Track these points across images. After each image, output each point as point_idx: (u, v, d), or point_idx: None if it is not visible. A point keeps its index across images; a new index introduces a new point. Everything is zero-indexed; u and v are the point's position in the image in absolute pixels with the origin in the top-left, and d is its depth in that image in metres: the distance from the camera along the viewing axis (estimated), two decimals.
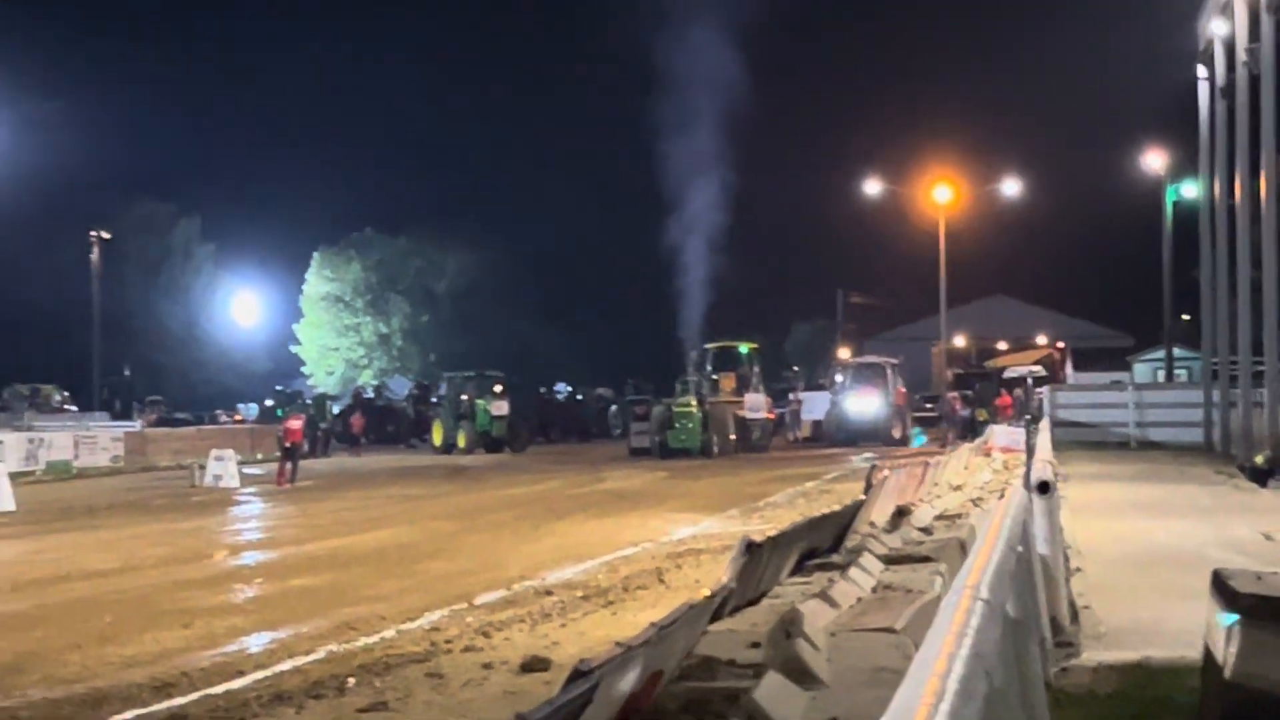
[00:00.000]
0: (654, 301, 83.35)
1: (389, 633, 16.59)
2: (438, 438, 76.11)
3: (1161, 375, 77.62)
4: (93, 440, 61.65)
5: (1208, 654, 9.23)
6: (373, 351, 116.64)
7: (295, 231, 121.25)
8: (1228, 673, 8.26)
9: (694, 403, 63.97)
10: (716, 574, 13.14)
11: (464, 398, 76.24)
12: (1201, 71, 50.95)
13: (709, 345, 72.58)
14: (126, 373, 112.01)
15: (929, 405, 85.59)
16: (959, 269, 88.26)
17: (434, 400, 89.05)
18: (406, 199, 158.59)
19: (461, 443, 73.55)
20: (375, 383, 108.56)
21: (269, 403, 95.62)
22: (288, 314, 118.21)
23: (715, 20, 77.82)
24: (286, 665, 14.79)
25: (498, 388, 76.50)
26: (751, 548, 11.15)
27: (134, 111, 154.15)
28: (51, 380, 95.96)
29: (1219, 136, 47.52)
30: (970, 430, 67.78)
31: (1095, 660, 12.33)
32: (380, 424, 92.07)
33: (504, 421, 75.12)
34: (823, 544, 15.70)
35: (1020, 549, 8.59)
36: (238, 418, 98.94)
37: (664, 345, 79.33)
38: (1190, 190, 64.40)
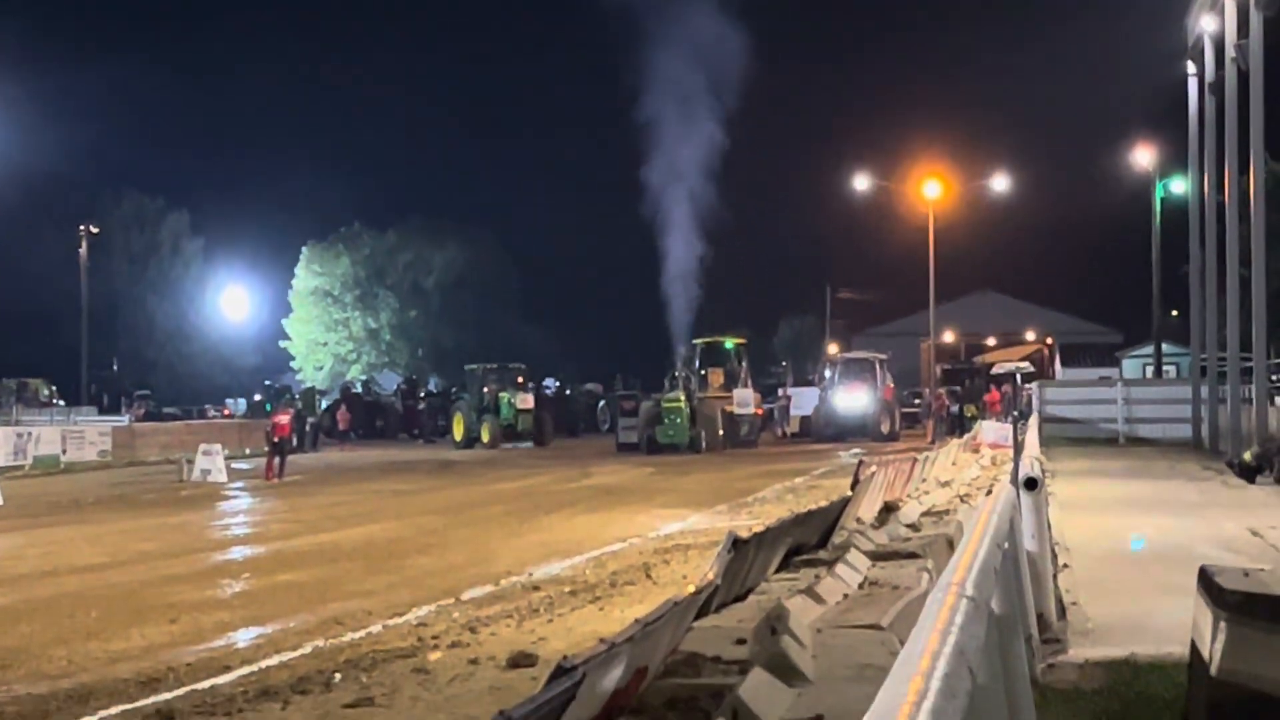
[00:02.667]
0: (642, 297, 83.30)
1: (376, 628, 16.59)
2: (458, 432, 75.22)
3: (1150, 371, 77.76)
4: (80, 435, 61.62)
5: (1194, 650, 9.22)
6: (361, 346, 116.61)
7: (284, 226, 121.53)
8: (1214, 669, 8.25)
9: (682, 398, 63.97)
10: (703, 570, 13.14)
11: (486, 390, 75.86)
12: (1191, 68, 50.98)
13: (697, 340, 72.45)
14: (115, 367, 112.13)
15: (916, 401, 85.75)
16: (948, 264, 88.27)
17: (450, 394, 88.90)
18: (395, 194, 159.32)
19: (485, 436, 73.10)
20: (364, 378, 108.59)
21: (257, 397, 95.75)
22: (276, 309, 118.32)
23: (704, 14, 77.75)
24: (273, 660, 14.78)
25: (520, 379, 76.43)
26: (737, 544, 11.14)
27: (123, 106, 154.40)
28: (39, 375, 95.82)
29: (1208, 133, 47.55)
30: (958, 426, 67.85)
31: (1082, 656, 12.33)
32: (369, 419, 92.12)
33: (530, 415, 74.98)
34: (810, 540, 15.69)
35: (1007, 546, 8.59)
36: (226, 412, 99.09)
37: (652, 340, 79.28)
38: (1179, 186, 64.45)
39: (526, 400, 75.24)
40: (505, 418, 74.16)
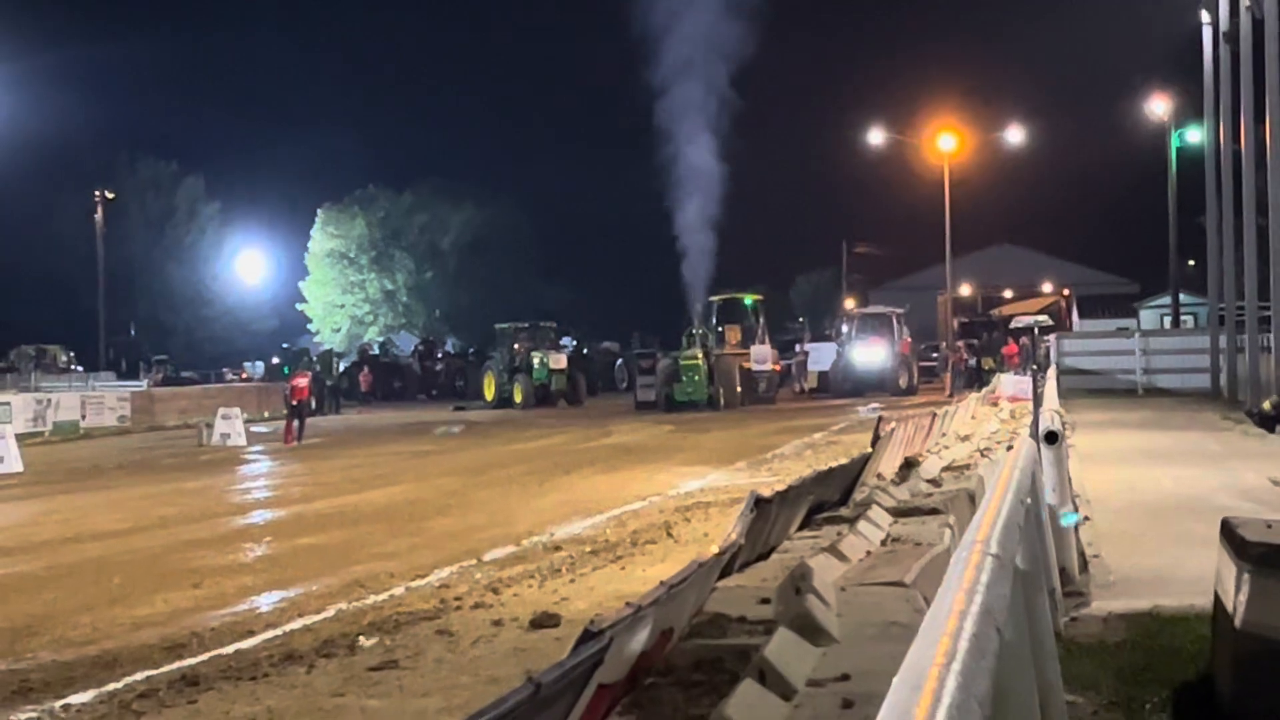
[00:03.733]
0: (659, 254, 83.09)
1: (398, 590, 16.60)
2: (489, 392, 75.12)
3: (1168, 322, 77.63)
4: (100, 400, 61.71)
5: (1218, 602, 9.23)
6: (378, 308, 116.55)
7: (299, 189, 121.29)
8: (1238, 621, 8.26)
9: (700, 355, 63.88)
10: (725, 527, 13.14)
11: (517, 349, 75.46)
12: (1205, 17, 50.81)
13: (714, 298, 72.27)
14: (132, 332, 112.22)
15: (934, 355, 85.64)
16: (964, 218, 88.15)
17: (468, 354, 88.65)
18: (410, 156, 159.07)
19: (518, 397, 72.65)
20: (381, 339, 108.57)
21: (275, 361, 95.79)
22: (293, 271, 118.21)
23: None
24: (297, 624, 14.80)
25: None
26: (760, 503, 11.12)
27: (137, 70, 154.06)
28: (58, 341, 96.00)
29: (1223, 82, 47.39)
30: (977, 379, 67.78)
31: (1105, 610, 12.34)
32: (387, 380, 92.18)
33: (563, 374, 74.42)
34: (831, 497, 15.67)
35: (1029, 500, 8.58)
36: (244, 376, 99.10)
37: (669, 298, 79.10)
38: (1195, 136, 64.27)
39: (559, 359, 74.55)
40: (538, 377, 73.50)
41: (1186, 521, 16.70)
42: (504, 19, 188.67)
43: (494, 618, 14.55)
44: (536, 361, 73.76)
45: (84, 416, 58.10)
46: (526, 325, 77.96)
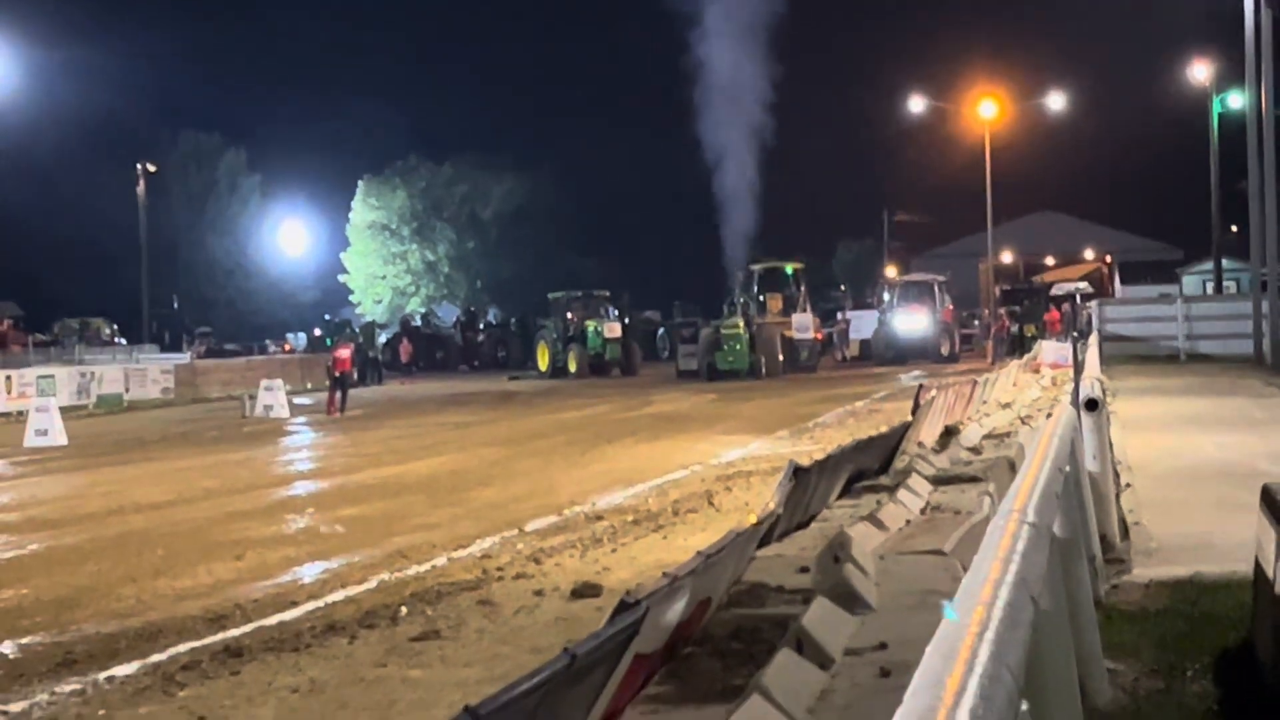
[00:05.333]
0: (699, 224, 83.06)
1: (440, 561, 16.65)
2: (543, 362, 74.91)
3: (1211, 288, 77.35)
4: (143, 373, 61.97)
5: (1259, 569, 9.20)
6: (420, 279, 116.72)
7: (340, 161, 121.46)
8: (1278, 588, 8.23)
9: (741, 324, 63.75)
10: (766, 496, 13.14)
11: (571, 318, 75.34)
12: None
13: (755, 266, 72.24)
14: (175, 305, 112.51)
15: (975, 322, 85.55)
16: (1006, 185, 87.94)
17: (509, 324, 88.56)
18: (451, 126, 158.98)
19: (572, 366, 72.21)
20: (423, 310, 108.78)
21: (317, 332, 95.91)
22: (335, 243, 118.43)
23: None
24: (339, 595, 14.86)
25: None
26: (799, 472, 11.11)
27: (180, 45, 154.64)
28: (101, 314, 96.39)
29: (1265, 45, 47.13)
30: (1018, 347, 67.66)
31: (1146, 577, 12.32)
32: (429, 351, 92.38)
33: (617, 343, 74.05)
34: (871, 466, 15.65)
35: (1068, 468, 8.57)
36: (287, 348, 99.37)
37: (710, 267, 79.03)
38: (1236, 100, 63.97)
39: (614, 328, 74.12)
40: (593, 346, 73.25)
41: (1228, 488, 16.64)
42: None
43: (536, 588, 14.59)
44: (591, 330, 73.51)
45: (127, 389, 58.32)
46: (580, 294, 77.65)
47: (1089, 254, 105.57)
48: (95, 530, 20.52)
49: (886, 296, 76.62)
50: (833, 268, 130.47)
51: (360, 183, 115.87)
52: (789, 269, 72.68)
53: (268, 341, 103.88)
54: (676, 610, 6.78)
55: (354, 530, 19.69)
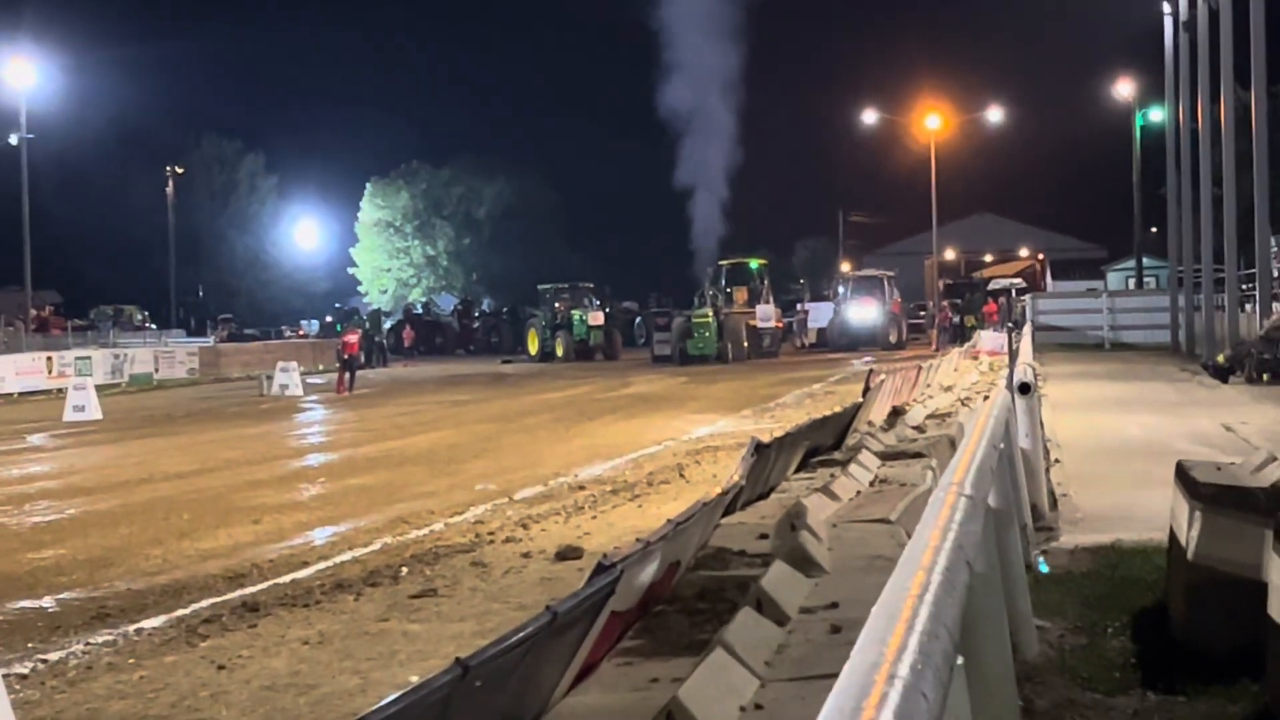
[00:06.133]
0: (672, 222, 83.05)
1: (438, 526, 16.64)
2: (533, 347, 74.88)
3: (1132, 283, 77.60)
4: (171, 355, 62.06)
5: (1173, 537, 9.24)
6: (421, 272, 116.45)
7: (350, 164, 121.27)
8: (1190, 555, 8.28)
9: (710, 314, 63.79)
10: (731, 469, 13.16)
11: (558, 308, 75.11)
12: (1166, 7, 50.65)
13: (723, 262, 72.36)
14: (200, 294, 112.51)
15: (921, 313, 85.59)
16: (949, 189, 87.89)
17: (501, 313, 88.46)
18: (449, 133, 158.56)
19: (559, 351, 72.05)
20: (424, 300, 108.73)
21: (329, 319, 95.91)
22: (344, 239, 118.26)
23: None
24: (346, 556, 14.84)
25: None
26: (760, 448, 11.13)
27: (204, 58, 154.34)
28: (133, 301, 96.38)
29: (1182, 66, 47.27)
30: (960, 336, 67.70)
31: (1072, 543, 12.35)
32: (429, 337, 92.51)
33: (600, 330, 73.94)
34: (826, 442, 15.68)
35: (1002, 445, 8.58)
36: (301, 333, 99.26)
37: (682, 262, 79.06)
38: (1157, 115, 64.13)
39: (597, 317, 73.93)
40: (578, 333, 73.04)
41: (1147, 464, 16.66)
42: (528, 10, 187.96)
43: (523, 550, 14.60)
44: (576, 319, 73.36)
45: (157, 369, 58.36)
46: (567, 286, 77.55)
47: (1023, 252, 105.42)
48: (126, 497, 20.49)
49: (841, 290, 76.59)
50: (793, 263, 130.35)
51: (368, 184, 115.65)
52: (753, 264, 72.77)
53: (284, 327, 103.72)
54: (649, 572, 6.79)
55: (360, 498, 19.66)
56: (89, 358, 53.70)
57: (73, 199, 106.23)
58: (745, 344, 65.00)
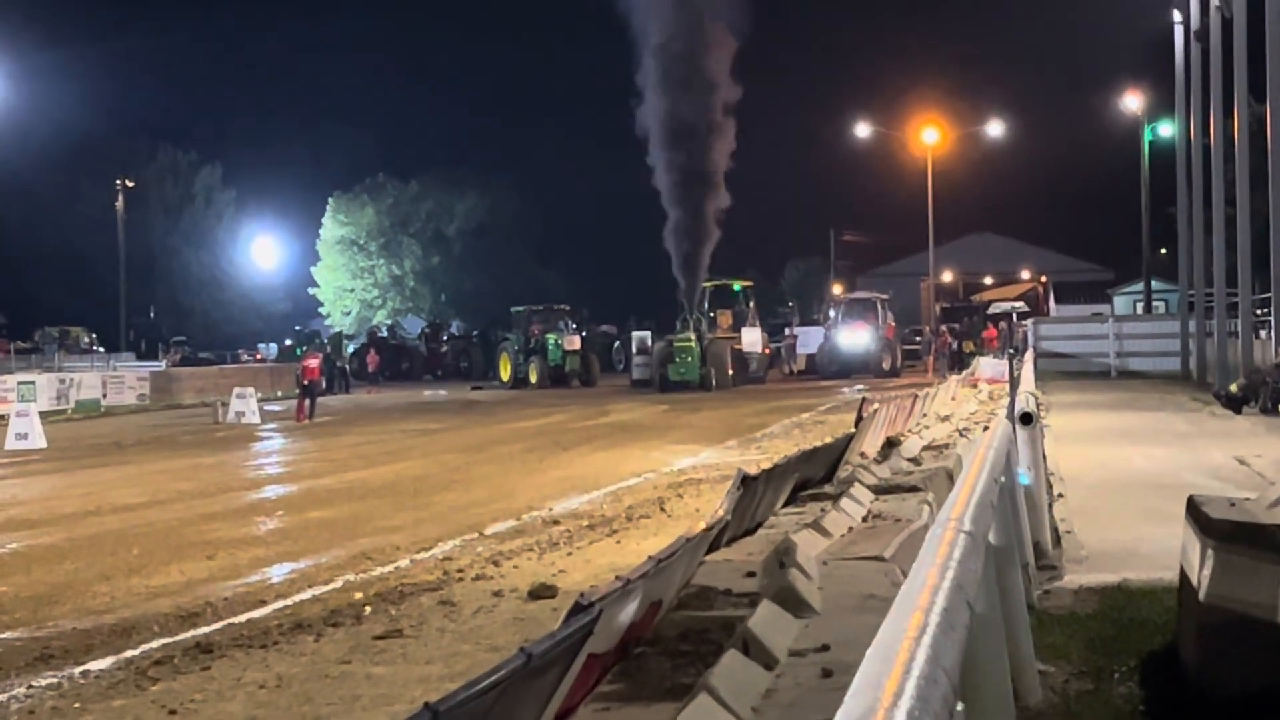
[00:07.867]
0: (653, 241, 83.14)
1: (403, 562, 16.61)
2: (505, 373, 74.50)
3: (1140, 307, 77.79)
4: (120, 380, 61.89)
5: (1183, 576, 9.24)
6: (386, 292, 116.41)
7: (311, 178, 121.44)
8: (1202, 595, 8.27)
9: (693, 338, 63.98)
10: (715, 503, 13.15)
11: (532, 331, 74.96)
12: (1177, 16, 50.87)
13: (706, 283, 72.40)
14: (152, 315, 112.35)
15: (917, 338, 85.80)
16: (947, 207, 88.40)
17: (471, 336, 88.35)
18: (417, 145, 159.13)
19: (533, 377, 71.96)
20: (389, 322, 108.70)
21: (288, 342, 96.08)
22: (305, 257, 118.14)
23: None
24: (306, 595, 14.81)
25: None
26: (746, 480, 11.12)
27: (157, 64, 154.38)
28: (80, 323, 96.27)
29: (1194, 78, 47.45)
30: (957, 363, 67.89)
31: (1077, 583, 12.36)
32: (395, 361, 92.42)
33: (577, 355, 73.70)
34: (816, 475, 15.68)
35: (1003, 479, 8.60)
36: (258, 357, 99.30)
37: (664, 283, 79.11)
38: (1167, 130, 64.37)
39: (573, 341, 73.83)
40: (553, 358, 72.91)
41: (1155, 498, 16.70)
42: (502, 17, 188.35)
43: (494, 589, 14.57)
44: (551, 343, 73.23)
45: (105, 395, 58.19)
46: (541, 308, 77.46)
47: (1025, 274, 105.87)
48: (72, 530, 20.42)
49: (832, 313, 76.90)
50: (782, 285, 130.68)
51: (330, 199, 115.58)
52: (737, 286, 73.06)
53: (240, 351, 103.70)
54: (629, 612, 6.78)
55: (321, 532, 19.62)
56: (33, 382, 53.57)
57: (16, 213, 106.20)
58: (730, 370, 65.09)
